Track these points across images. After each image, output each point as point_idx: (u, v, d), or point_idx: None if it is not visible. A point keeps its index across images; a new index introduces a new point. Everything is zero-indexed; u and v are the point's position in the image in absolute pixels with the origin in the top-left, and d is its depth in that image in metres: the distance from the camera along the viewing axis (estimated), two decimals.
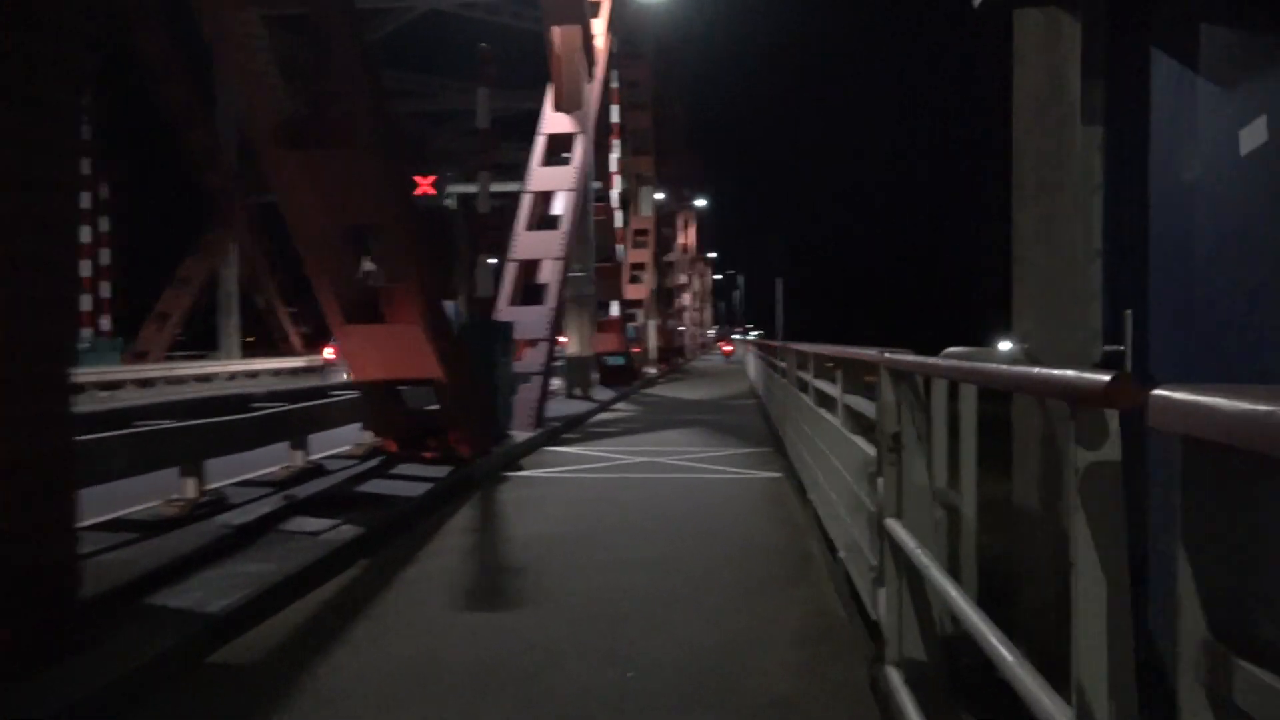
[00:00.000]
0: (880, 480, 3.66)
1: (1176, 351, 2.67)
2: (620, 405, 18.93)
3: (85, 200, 27.37)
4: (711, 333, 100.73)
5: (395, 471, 8.37)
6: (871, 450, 4.34)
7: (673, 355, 40.89)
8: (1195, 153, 2.56)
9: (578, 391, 17.87)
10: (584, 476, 9.36)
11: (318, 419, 7.97)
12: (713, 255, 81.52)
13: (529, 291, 14.30)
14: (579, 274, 16.75)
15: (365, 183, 6.79)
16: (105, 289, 30.98)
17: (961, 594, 2.29)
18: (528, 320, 12.87)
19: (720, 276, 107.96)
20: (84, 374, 19.39)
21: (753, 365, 26.42)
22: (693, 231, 52.22)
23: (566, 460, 10.52)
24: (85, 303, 28.63)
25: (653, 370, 30.90)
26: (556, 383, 19.03)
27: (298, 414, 7.55)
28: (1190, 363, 2.58)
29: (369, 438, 9.15)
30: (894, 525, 2.87)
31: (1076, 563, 1.40)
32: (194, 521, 5.91)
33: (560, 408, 15.95)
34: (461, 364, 8.63)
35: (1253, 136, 2.26)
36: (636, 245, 30.65)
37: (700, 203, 49.15)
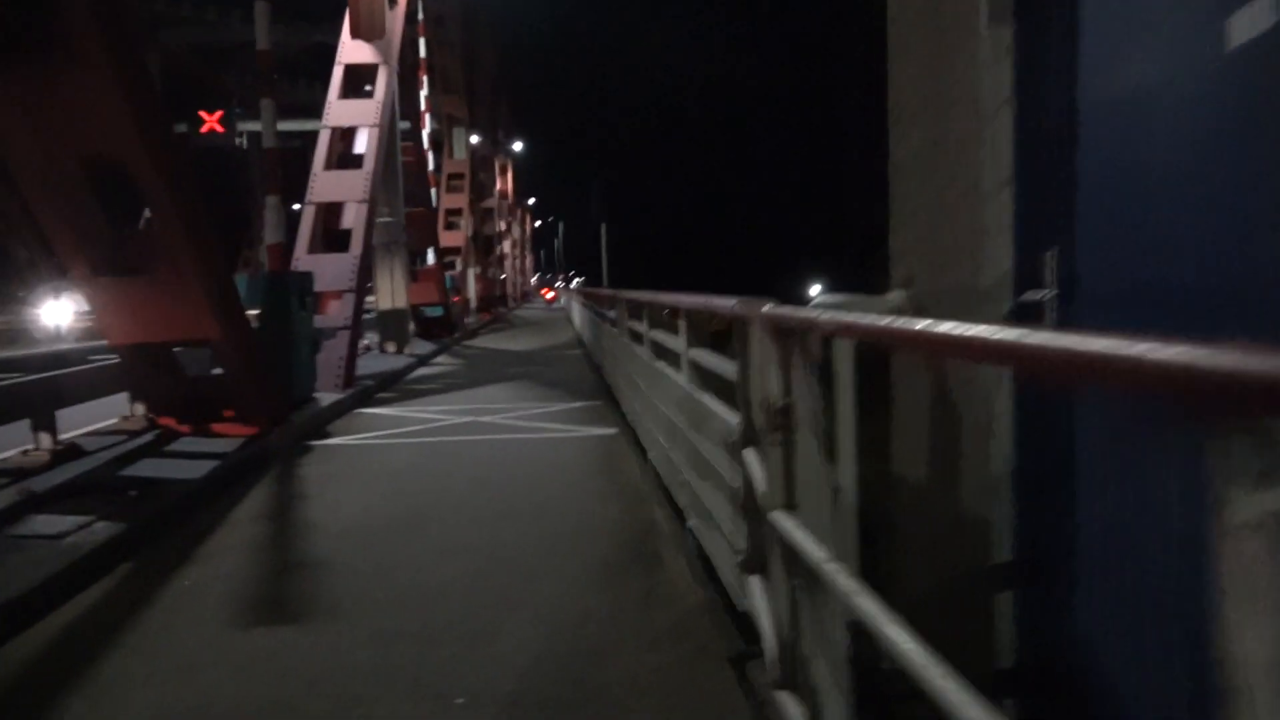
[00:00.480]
0: (752, 457, 3.09)
1: (1123, 301, 2.18)
2: (440, 359, 17.86)
3: None
4: (534, 281, 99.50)
5: (173, 448, 7.17)
6: (728, 415, 3.80)
7: (494, 304, 39.72)
8: (1153, 52, 2.05)
9: (392, 347, 16.65)
10: (399, 442, 8.46)
11: (66, 392, 6.65)
12: (531, 201, 79.98)
13: (331, 239, 12.97)
14: (387, 219, 15.45)
15: (95, 106, 5.50)
16: None
17: (895, 620, 1.73)
18: (330, 270, 11.62)
19: (540, 223, 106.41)
20: None
21: (577, 314, 25.81)
22: (510, 177, 50.69)
23: (380, 423, 9.54)
24: None
25: (474, 321, 29.73)
26: (371, 337, 17.71)
27: (36, 386, 6.22)
28: (1141, 315, 2.10)
29: (141, 408, 7.84)
30: (785, 523, 2.29)
31: (1240, 678, 0.80)
32: None
33: (374, 364, 14.75)
34: (245, 320, 7.48)
35: (1250, 23, 1.73)
36: (451, 190, 29.18)
37: (517, 146, 47.65)
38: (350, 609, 4.13)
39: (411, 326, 20.52)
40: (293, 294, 9.11)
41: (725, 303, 3.33)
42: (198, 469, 6.44)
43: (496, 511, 5.81)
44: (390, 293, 16.41)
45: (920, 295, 3.07)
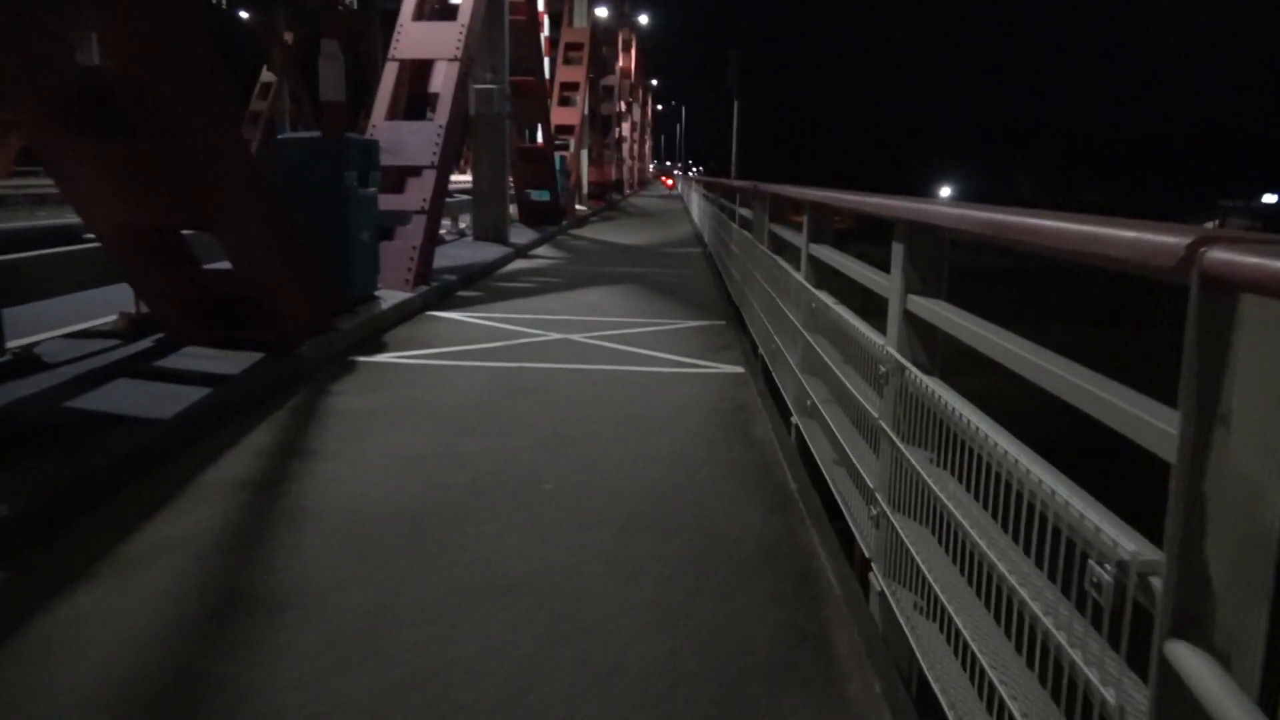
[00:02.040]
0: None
1: None
2: (540, 250, 16.01)
3: None
4: (651, 168, 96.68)
5: (164, 364, 5.51)
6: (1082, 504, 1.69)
7: (608, 191, 37.59)
8: None
9: (487, 233, 14.83)
10: (466, 365, 6.63)
11: (25, 282, 5.00)
12: (654, 83, 76.28)
13: (421, 107, 11.06)
14: (489, 85, 13.39)
15: None
16: None
17: None
18: (411, 141, 9.72)
19: (661, 108, 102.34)
20: None
21: (697, 207, 23.51)
22: (634, 54, 47.60)
23: (451, 335, 7.75)
24: None
25: (584, 208, 27.78)
26: (465, 222, 16.00)
27: None
28: None
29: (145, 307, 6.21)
30: None
31: None
32: None
33: (462, 253, 13.02)
34: (272, 199, 5.67)
35: None
36: (568, 62, 26.77)
37: (643, 20, 44.37)
38: None
39: (514, 211, 18.71)
40: (350, 167, 7.25)
41: (1155, 238, 1.20)
42: (179, 400, 4.74)
43: (571, 508, 3.90)
44: (489, 172, 14.48)
45: None
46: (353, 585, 3.14)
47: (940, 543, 2.62)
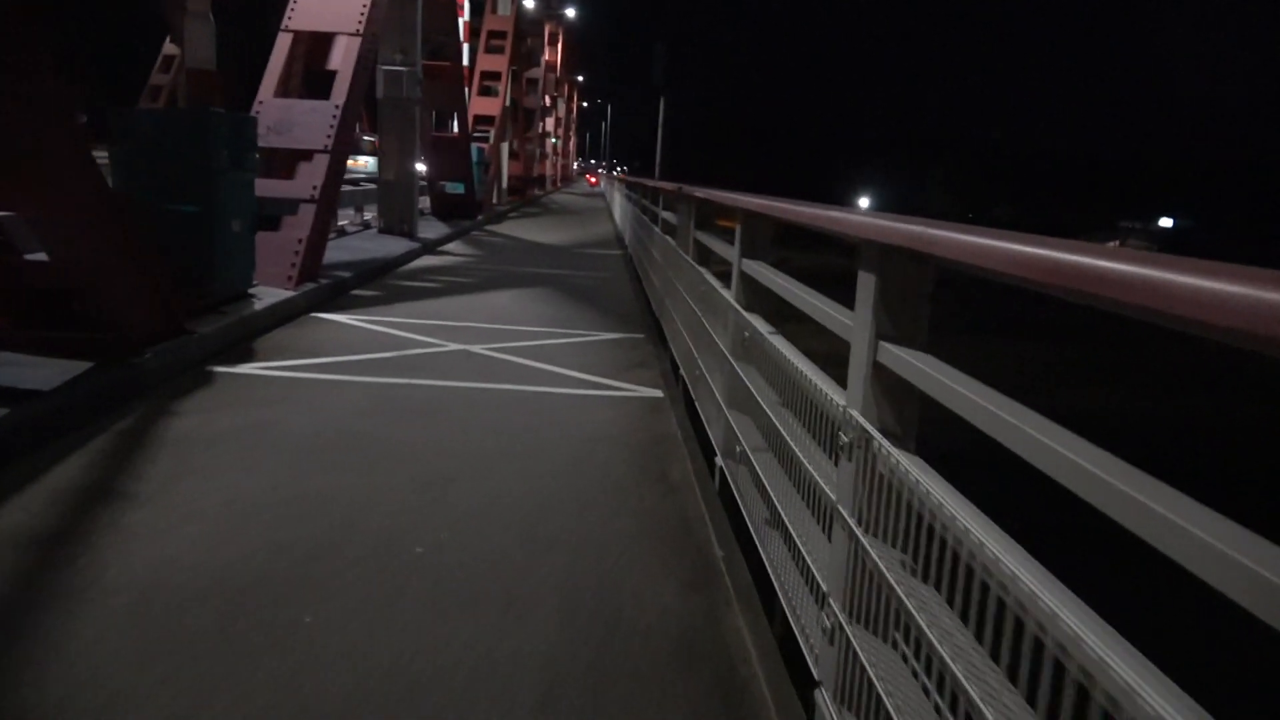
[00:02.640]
0: None
1: None
2: (451, 247, 15.05)
3: None
4: (575, 166, 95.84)
5: None
6: None
7: (530, 186, 36.60)
8: None
9: (402, 226, 13.82)
10: (344, 380, 5.75)
11: None
12: (579, 79, 75.31)
13: (312, 81, 10.06)
14: (399, 67, 12.41)
15: None
16: None
17: None
18: (301, 121, 8.73)
19: (586, 105, 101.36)
20: None
21: (619, 207, 22.81)
22: (560, 47, 46.64)
23: (334, 342, 6.84)
24: None
25: (502, 203, 26.80)
26: (371, 213, 14.96)
27: None
28: None
29: None
30: None
31: None
32: None
33: (363, 247, 12.03)
34: (100, 178, 4.72)
35: None
36: (491, 50, 25.76)
37: (570, 13, 43.44)
38: None
39: (427, 203, 17.72)
40: (219, 145, 6.28)
41: None
42: None
43: (443, 581, 3.11)
44: (397, 160, 13.49)
45: None
46: (132, 703, 2.31)
47: (915, 673, 1.97)
